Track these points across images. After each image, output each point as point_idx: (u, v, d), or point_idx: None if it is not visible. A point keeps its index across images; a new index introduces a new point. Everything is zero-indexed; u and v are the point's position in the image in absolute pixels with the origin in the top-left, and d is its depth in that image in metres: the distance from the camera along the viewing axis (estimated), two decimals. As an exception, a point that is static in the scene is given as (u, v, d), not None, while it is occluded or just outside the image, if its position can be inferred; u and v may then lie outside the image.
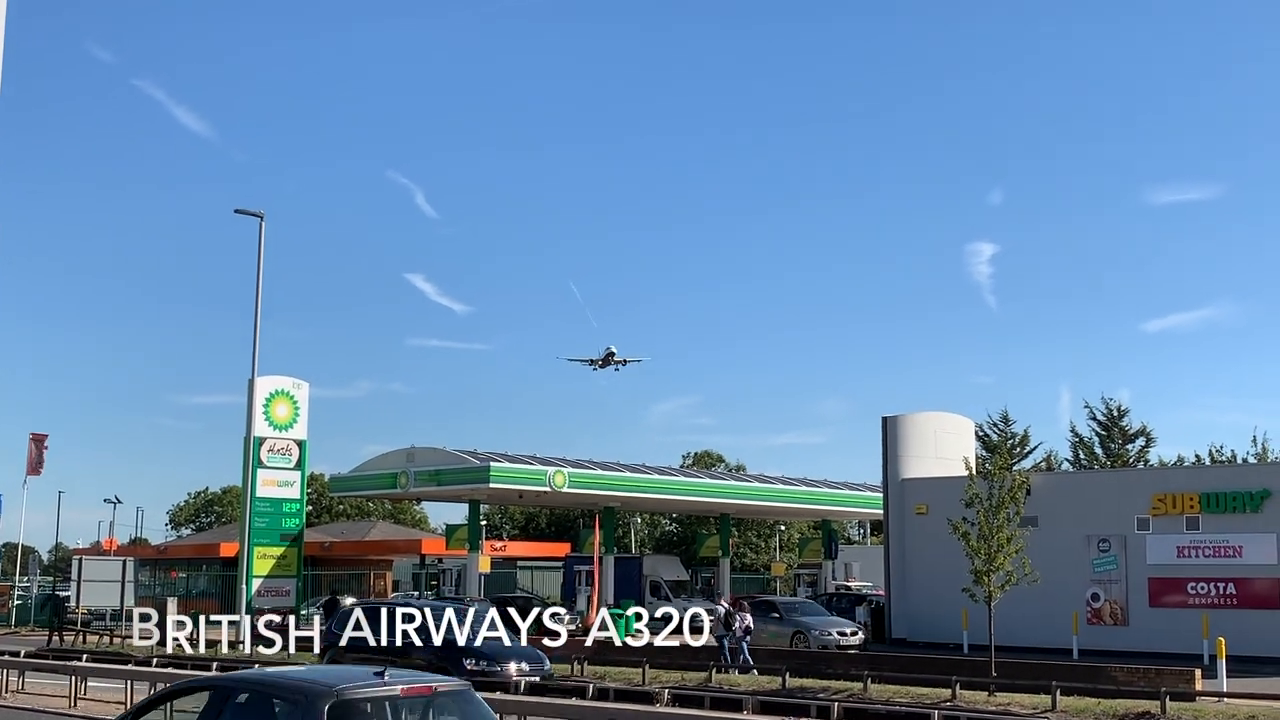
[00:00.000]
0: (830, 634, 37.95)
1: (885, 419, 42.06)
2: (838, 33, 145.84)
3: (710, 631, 35.34)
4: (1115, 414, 67.70)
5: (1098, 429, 67.77)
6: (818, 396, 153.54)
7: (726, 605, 36.28)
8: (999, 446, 61.00)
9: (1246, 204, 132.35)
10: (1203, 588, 34.83)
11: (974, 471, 33.79)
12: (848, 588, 60.08)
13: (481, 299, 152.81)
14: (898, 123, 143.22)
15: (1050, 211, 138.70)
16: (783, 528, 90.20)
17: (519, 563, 77.06)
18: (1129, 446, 67.21)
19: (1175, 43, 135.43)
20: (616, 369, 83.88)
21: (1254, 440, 66.71)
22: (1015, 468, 48.50)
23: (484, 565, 52.69)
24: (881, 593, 44.20)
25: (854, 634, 38.56)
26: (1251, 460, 63.92)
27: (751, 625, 33.87)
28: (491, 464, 48.08)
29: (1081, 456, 67.76)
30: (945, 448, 41.11)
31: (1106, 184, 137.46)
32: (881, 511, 42.86)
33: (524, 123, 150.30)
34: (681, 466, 76.56)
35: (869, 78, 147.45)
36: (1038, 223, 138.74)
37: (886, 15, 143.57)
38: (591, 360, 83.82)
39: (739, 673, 29.04)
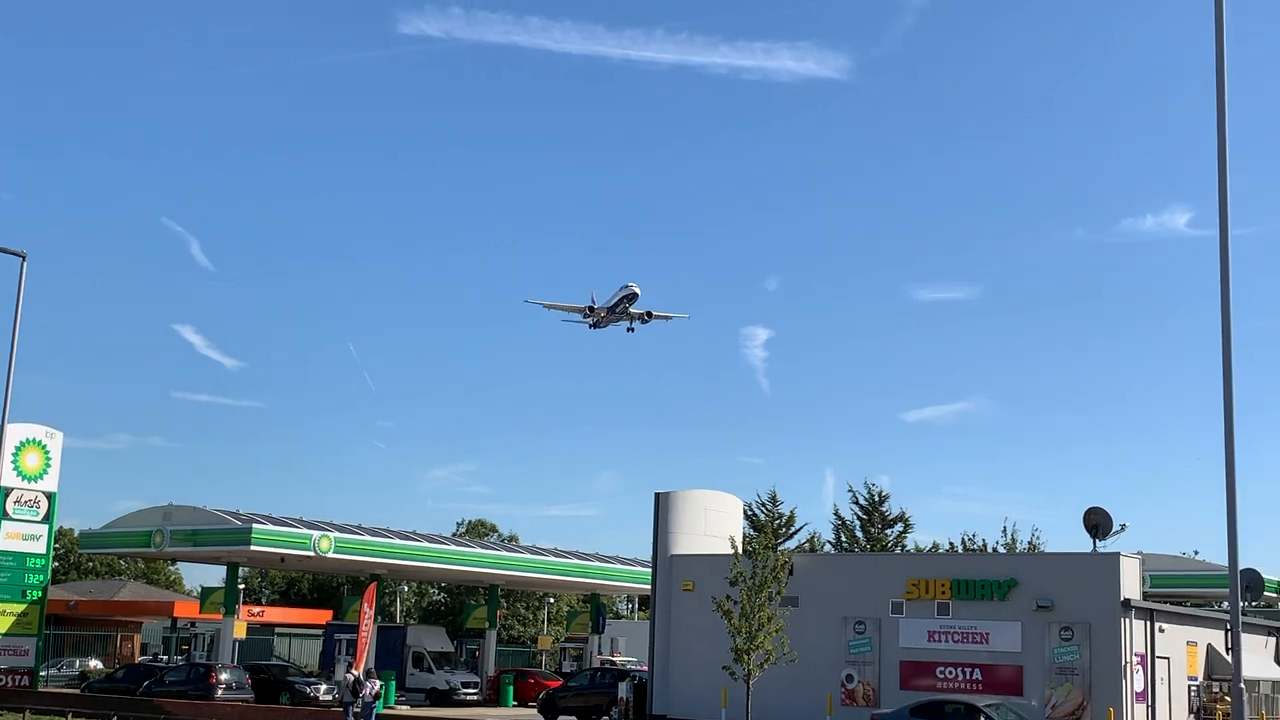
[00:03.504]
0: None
1: (658, 495, 42.44)
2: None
3: (339, 697, 38.90)
4: (876, 499, 69.84)
5: (859, 513, 69.76)
6: (594, 470, 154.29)
7: (355, 673, 39.02)
8: (766, 526, 62.19)
9: (1001, 306, 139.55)
10: (951, 672, 36.01)
11: (740, 550, 34.46)
12: (612, 662, 60.14)
13: (254, 354, 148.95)
14: (681, 212, 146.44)
15: (822, 300, 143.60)
16: (552, 600, 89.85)
17: (277, 629, 74.67)
18: (888, 531, 69.34)
19: (940, 150, 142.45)
20: (631, 328, 74.60)
21: (1004, 530, 69.64)
22: (780, 548, 49.53)
23: (239, 631, 50.84)
24: (645, 668, 44.34)
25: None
26: (1001, 549, 66.74)
27: (379, 691, 37.27)
28: (253, 525, 46.62)
29: (843, 539, 69.58)
30: (715, 525, 41.72)
31: (876, 277, 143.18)
32: (650, 587, 43.12)
33: (306, 177, 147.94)
34: (454, 535, 75.64)
35: (648, 165, 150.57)
36: (810, 310, 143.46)
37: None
38: (587, 309, 74.28)
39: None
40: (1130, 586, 35.09)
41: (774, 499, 70.81)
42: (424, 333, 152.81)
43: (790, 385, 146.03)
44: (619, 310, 73.86)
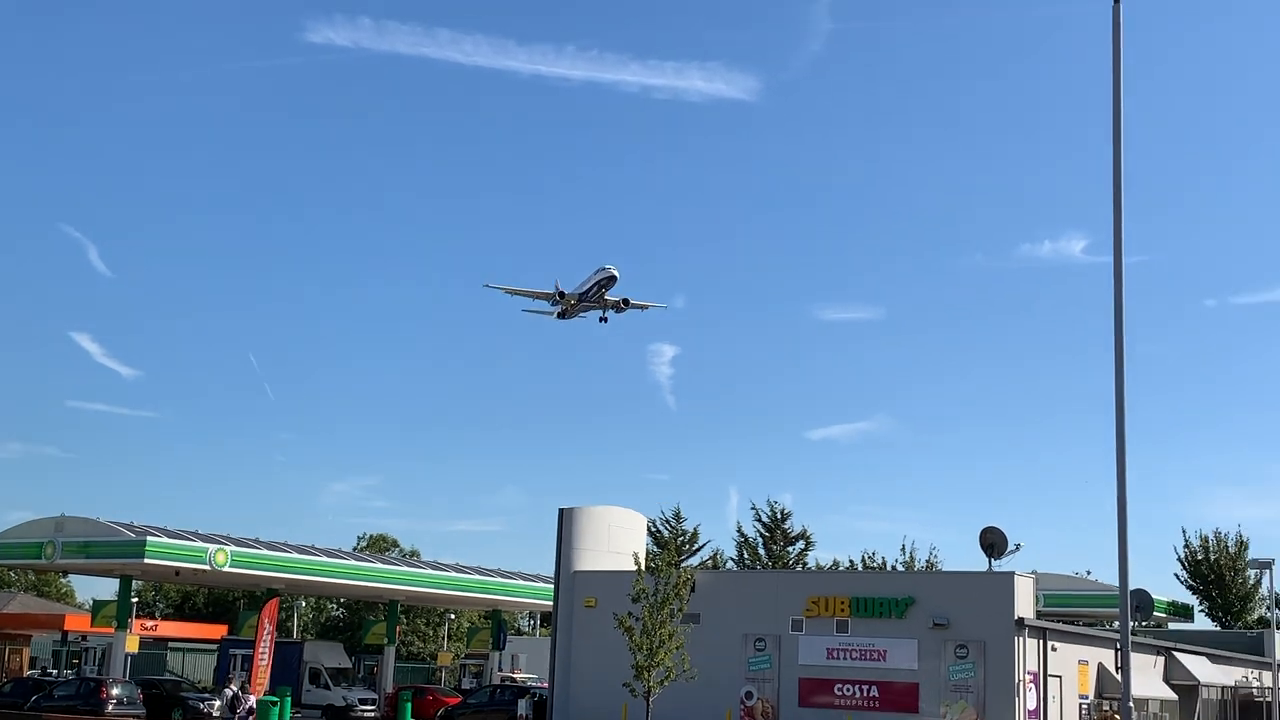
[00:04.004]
0: None
1: (562, 510, 42.37)
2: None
3: (217, 713, 40.17)
4: (779, 516, 70.40)
5: (762, 530, 70.27)
6: (497, 485, 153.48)
7: (234, 688, 40.05)
8: (669, 543, 62.39)
9: (904, 327, 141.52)
10: (849, 689, 36.36)
11: (642, 567, 34.53)
12: (513, 679, 59.82)
13: (153, 364, 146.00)
14: (590, 227, 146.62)
15: (729, 319, 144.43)
16: (453, 616, 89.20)
17: (170, 644, 73.26)
18: (790, 549, 69.92)
19: (845, 173, 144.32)
20: (605, 317, 68.31)
21: (903, 549, 70.61)
22: (683, 565, 49.65)
23: (132, 645, 49.79)
24: (546, 685, 44.18)
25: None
26: (900, 568, 67.61)
27: (254, 707, 37.82)
28: (148, 538, 45.75)
29: (746, 556, 70.02)
30: (618, 542, 41.74)
31: (782, 296, 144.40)
32: (552, 603, 43.01)
33: (208, 184, 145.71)
34: (354, 550, 74.79)
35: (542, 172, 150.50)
36: (717, 328, 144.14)
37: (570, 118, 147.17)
38: (556, 295, 67.33)
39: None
40: (1024, 605, 35.72)
41: (678, 516, 71.10)
42: (325, 345, 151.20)
43: (696, 402, 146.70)
44: (592, 296, 67.72)
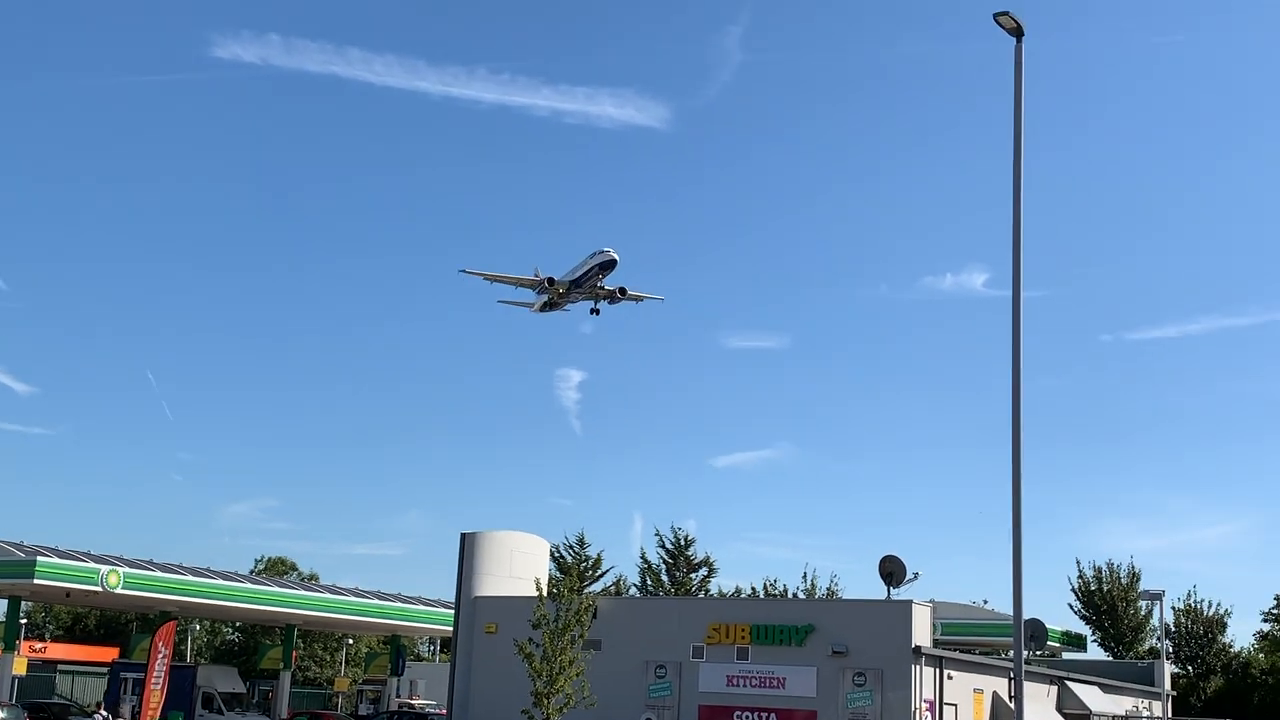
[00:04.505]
0: None
1: (464, 535, 42.01)
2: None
3: None
4: (682, 543, 70.53)
5: (665, 557, 70.34)
6: (401, 508, 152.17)
7: (103, 713, 41.31)
8: (572, 569, 62.18)
9: (809, 356, 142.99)
10: (748, 716, 36.39)
11: (543, 593, 34.35)
12: (410, 705, 59.16)
13: (48, 381, 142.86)
14: (500, 251, 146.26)
15: (636, 345, 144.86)
16: (351, 641, 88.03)
17: (59, 667, 71.41)
18: (693, 575, 70.05)
19: (753, 202, 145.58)
20: (597, 309, 62.53)
21: (804, 576, 71.05)
22: (586, 591, 49.46)
23: (19, 667, 48.48)
24: (444, 711, 43.72)
25: None
26: (801, 595, 68.02)
27: None
28: (38, 558, 44.66)
29: (649, 583, 70.01)
30: (521, 568, 41.49)
31: (688, 323, 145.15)
32: (452, 629, 42.60)
33: (105, 198, 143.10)
34: (251, 572, 73.51)
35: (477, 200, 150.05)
36: (624, 354, 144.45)
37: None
38: (544, 283, 61.22)
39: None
40: (921, 634, 36.06)
41: (582, 541, 70.90)
42: (225, 364, 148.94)
43: (603, 428, 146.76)
44: (585, 284, 62.27)
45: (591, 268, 61.93)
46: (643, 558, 71.24)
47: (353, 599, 59.41)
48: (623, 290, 63.48)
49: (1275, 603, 74.65)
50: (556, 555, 65.39)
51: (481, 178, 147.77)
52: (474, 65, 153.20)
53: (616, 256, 61.30)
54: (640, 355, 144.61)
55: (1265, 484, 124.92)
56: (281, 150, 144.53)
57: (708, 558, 70.60)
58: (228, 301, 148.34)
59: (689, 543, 70.63)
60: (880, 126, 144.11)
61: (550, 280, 62.65)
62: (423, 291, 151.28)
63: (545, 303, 64.28)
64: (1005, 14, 23.32)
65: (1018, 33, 23.73)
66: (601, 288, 63.06)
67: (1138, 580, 73.92)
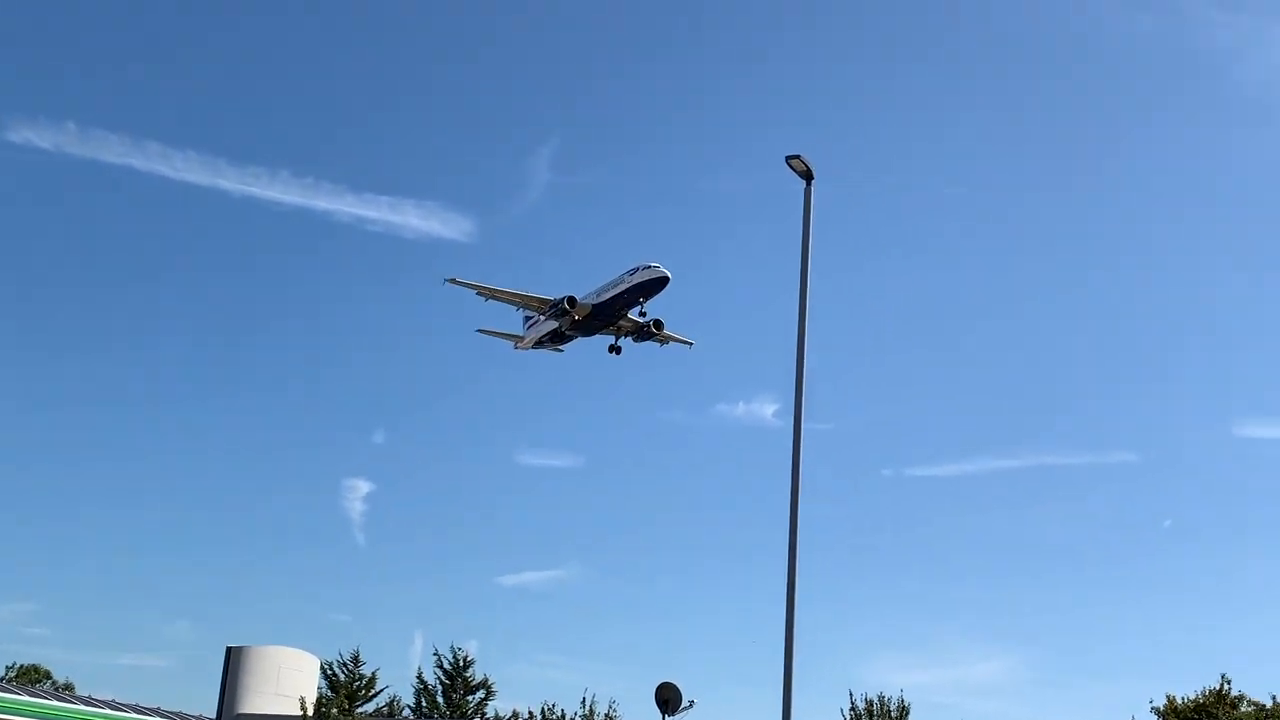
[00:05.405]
0: None
1: (230, 649, 40.59)
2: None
3: None
4: (461, 664, 69.06)
5: (443, 678, 68.76)
6: (169, 616, 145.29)
7: None
8: (343, 687, 60.28)
9: (602, 477, 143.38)
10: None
11: (308, 711, 33.23)
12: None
13: None
14: (291, 355, 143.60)
15: (427, 458, 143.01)
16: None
17: None
18: (470, 697, 68.53)
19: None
20: (617, 346, 50.27)
21: (583, 701, 70.22)
22: (359, 710, 47.97)
23: None
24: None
25: None
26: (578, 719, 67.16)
27: None
28: None
29: (424, 704, 68.23)
30: (289, 684, 40.17)
31: (483, 438, 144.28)
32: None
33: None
34: (1, 680, 69.08)
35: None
36: (415, 467, 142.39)
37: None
38: (563, 304, 48.35)
39: None
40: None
41: (356, 659, 68.63)
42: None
43: (388, 542, 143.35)
44: (614, 310, 49.41)
45: (629, 288, 49.24)
46: (419, 678, 69.55)
47: (108, 711, 56.29)
48: (658, 324, 51.55)
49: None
50: (329, 673, 63.33)
51: (282, 280, 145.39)
52: (277, 167, 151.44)
53: (669, 274, 48.69)
54: (432, 468, 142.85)
55: (1035, 622, 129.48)
56: (67, 240, 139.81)
57: (486, 679, 69.29)
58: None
59: (468, 663, 69.20)
60: (678, 255, 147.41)
61: (570, 301, 50.21)
62: (215, 394, 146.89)
63: (549, 334, 52.61)
64: (797, 157, 24.25)
65: (808, 176, 24.67)
66: (631, 319, 51.52)
67: (907, 714, 75.09)
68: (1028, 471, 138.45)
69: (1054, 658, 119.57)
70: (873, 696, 76.25)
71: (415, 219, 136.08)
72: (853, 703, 76.36)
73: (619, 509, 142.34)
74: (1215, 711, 50.34)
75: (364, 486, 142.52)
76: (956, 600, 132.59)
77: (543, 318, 52.11)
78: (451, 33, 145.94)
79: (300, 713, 31.18)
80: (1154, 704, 54.64)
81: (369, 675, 68.23)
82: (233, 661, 40.12)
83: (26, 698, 54.47)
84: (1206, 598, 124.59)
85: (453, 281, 52.64)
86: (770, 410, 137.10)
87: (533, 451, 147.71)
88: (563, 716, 69.07)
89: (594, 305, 49.81)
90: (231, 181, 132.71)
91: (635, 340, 51.93)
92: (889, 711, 75.59)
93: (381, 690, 68.72)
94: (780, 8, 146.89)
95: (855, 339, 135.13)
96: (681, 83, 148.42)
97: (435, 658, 69.63)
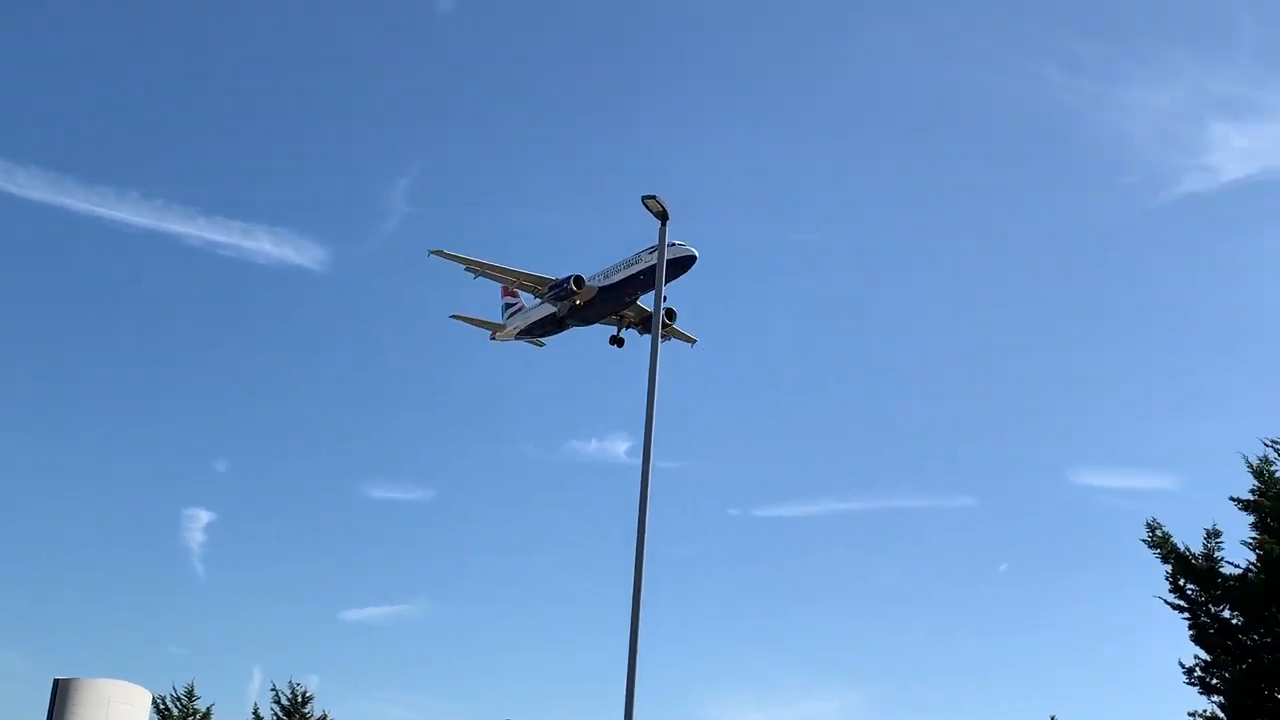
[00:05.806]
0: None
1: (57, 681, 38.95)
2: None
3: None
4: (300, 700, 67.82)
5: (280, 713, 67.38)
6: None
7: None
8: (177, 723, 58.70)
9: (451, 511, 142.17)
10: None
11: (138, 747, 32.17)
12: None
13: None
14: (133, 376, 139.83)
15: (273, 488, 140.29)
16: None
17: None
18: (309, 734, 67.29)
19: (407, 354, 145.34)
20: (620, 337, 46.17)
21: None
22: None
23: None
24: None
25: None
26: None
27: None
28: None
29: (261, 740, 66.79)
30: (118, 718, 38.78)
31: (329, 469, 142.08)
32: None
33: None
34: None
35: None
36: (259, 497, 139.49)
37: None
38: (569, 283, 44.29)
39: None
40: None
41: (190, 693, 67.10)
42: None
43: (228, 574, 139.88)
44: (624, 294, 45.47)
45: (646, 268, 45.18)
46: (256, 714, 67.98)
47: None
48: (671, 314, 48.07)
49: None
50: (162, 707, 61.65)
51: (122, 301, 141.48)
52: (126, 188, 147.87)
53: (695, 253, 43.82)
54: (277, 500, 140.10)
55: (873, 662, 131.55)
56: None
57: (325, 716, 68.09)
58: None
59: (306, 699, 67.95)
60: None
61: (577, 281, 46.77)
62: (53, 418, 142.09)
63: (545, 319, 48.51)
64: (653, 198, 24.49)
65: (663, 216, 24.96)
66: (639, 306, 47.29)
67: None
68: (870, 514, 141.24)
69: (891, 695, 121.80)
70: (714, 734, 77.28)
71: (269, 245, 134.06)
72: (695, 740, 77.22)
73: (468, 543, 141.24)
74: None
75: (204, 516, 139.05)
76: (798, 639, 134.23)
77: (540, 301, 48.48)
78: (313, 60, 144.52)
79: (128, 748, 30.21)
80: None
81: (204, 710, 66.75)
82: (59, 694, 38.53)
83: None
84: (1039, 639, 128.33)
85: (438, 253, 50.05)
86: (623, 448, 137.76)
87: (381, 484, 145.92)
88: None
89: (600, 288, 46.21)
90: (79, 200, 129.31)
91: (641, 332, 48.67)
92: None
93: (216, 726, 67.18)
94: (640, 48, 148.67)
95: (706, 381, 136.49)
96: (540, 115, 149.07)
97: (273, 693, 68.27)
